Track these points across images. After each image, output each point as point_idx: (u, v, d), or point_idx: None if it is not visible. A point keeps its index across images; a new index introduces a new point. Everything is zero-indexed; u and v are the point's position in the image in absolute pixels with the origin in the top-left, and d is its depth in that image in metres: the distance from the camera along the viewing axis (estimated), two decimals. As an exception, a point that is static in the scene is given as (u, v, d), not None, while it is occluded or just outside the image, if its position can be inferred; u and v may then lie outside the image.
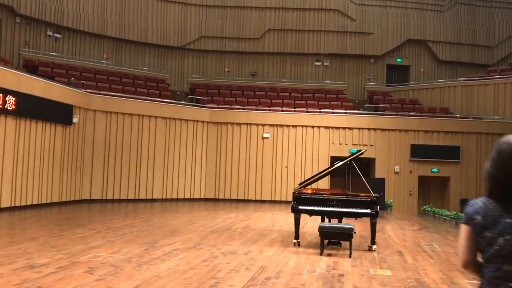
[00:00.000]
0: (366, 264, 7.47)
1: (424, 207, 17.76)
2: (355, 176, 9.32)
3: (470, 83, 22.28)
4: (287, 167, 19.69)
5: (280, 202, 19.32)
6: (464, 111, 21.80)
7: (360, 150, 9.70)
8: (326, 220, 9.51)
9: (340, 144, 19.78)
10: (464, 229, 2.04)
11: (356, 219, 8.96)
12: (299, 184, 9.66)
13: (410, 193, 19.64)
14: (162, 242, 8.76)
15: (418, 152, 19.70)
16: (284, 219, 13.59)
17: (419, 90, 23.80)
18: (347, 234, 7.99)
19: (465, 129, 20.01)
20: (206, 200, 19.37)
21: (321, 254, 8.08)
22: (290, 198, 19.49)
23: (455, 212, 15.42)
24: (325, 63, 25.71)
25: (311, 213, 8.98)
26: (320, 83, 24.62)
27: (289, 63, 25.77)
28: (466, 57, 26.27)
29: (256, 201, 19.45)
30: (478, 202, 2.03)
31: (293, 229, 11.01)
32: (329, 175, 10.12)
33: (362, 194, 8.90)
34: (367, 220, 9.06)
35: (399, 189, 19.71)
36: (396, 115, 20.76)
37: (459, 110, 21.95)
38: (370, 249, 8.74)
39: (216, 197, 19.54)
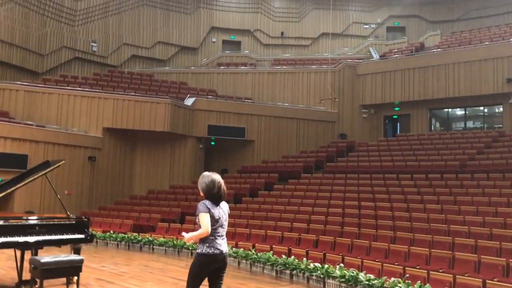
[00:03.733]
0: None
1: None
2: None
3: (35, 89, 21.22)
4: None
5: None
6: (26, 117, 20.51)
7: (48, 162, 7.83)
8: None
9: None
10: (206, 215, 4.26)
11: (60, 247, 7.18)
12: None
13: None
14: None
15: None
16: None
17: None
18: (77, 268, 6.41)
19: (34, 138, 18.91)
20: None
21: (37, 300, 6.10)
22: None
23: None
24: None
25: (4, 246, 6.51)
26: None
27: None
28: (18, 60, 24.85)
29: None
30: (206, 202, 4.33)
31: None
32: None
33: (62, 216, 7.31)
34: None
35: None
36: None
37: (21, 116, 20.49)
38: (71, 282, 7.25)
39: None
